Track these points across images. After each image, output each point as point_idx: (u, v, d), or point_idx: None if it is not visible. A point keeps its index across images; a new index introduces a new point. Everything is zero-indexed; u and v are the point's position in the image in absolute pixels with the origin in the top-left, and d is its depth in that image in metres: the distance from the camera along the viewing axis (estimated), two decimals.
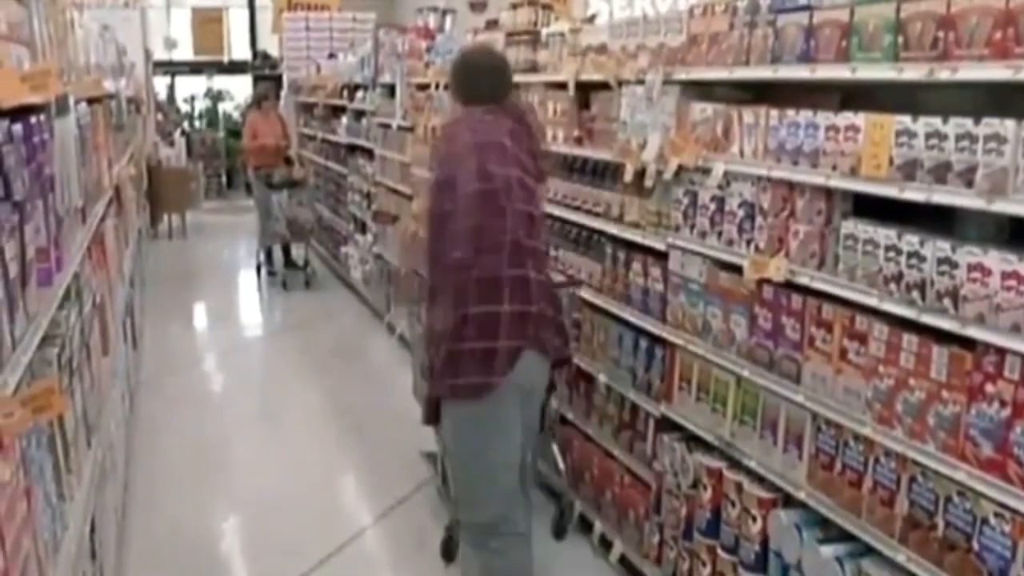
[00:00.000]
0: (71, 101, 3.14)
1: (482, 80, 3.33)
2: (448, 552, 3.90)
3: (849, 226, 2.58)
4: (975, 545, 2.19)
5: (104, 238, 4.16)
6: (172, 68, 17.74)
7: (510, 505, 3.23)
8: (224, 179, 16.80)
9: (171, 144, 13.45)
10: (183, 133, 15.52)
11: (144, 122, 11.68)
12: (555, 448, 4.26)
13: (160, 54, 16.42)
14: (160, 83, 16.87)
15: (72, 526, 2.43)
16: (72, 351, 2.66)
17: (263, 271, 9.59)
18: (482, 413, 3.07)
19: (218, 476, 4.92)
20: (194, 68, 17.88)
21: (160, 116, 14.75)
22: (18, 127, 2.10)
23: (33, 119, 2.29)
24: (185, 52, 17.64)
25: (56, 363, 2.36)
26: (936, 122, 2.23)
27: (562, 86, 4.15)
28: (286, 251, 9.75)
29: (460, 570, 3.52)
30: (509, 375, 3.03)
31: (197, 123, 17.77)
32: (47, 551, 2.08)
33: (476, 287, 3.00)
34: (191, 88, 18.19)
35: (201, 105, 18.05)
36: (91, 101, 4.06)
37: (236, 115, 16.88)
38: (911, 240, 2.34)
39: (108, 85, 5.19)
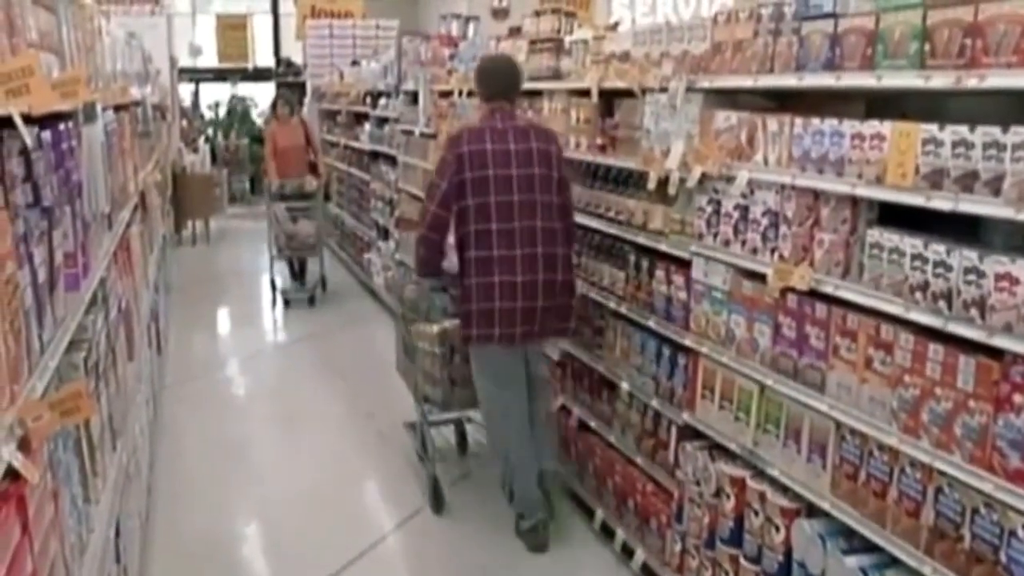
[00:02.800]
0: (98, 108, 3.18)
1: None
2: (437, 499, 4.45)
3: (874, 235, 2.57)
4: (1002, 557, 2.16)
5: (130, 244, 4.20)
6: (197, 75, 17.91)
7: None
8: (247, 185, 16.90)
9: (195, 151, 13.56)
10: (207, 140, 15.63)
11: (169, 129, 11.78)
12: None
13: (185, 61, 16.58)
14: (185, 90, 17.02)
15: (98, 528, 2.45)
16: (98, 355, 2.68)
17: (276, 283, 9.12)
18: None
19: (240, 481, 4.94)
20: (218, 75, 18.03)
21: (185, 123, 14.87)
22: (47, 134, 2.13)
23: (61, 126, 2.32)
24: (210, 59, 17.81)
25: (83, 367, 2.38)
26: (963, 130, 2.21)
27: (585, 93, 4.15)
28: (300, 265, 9.33)
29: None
30: None
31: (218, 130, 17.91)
32: (73, 553, 2.10)
33: None
34: (216, 95, 18.34)
35: (223, 113, 18.20)
36: (117, 108, 4.10)
37: (260, 122, 16.97)
38: (937, 249, 2.33)
39: (134, 92, 5.25)
